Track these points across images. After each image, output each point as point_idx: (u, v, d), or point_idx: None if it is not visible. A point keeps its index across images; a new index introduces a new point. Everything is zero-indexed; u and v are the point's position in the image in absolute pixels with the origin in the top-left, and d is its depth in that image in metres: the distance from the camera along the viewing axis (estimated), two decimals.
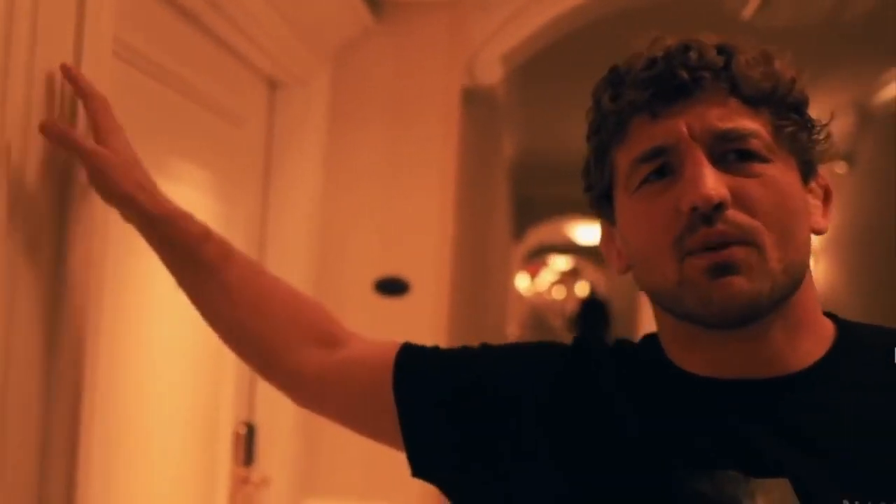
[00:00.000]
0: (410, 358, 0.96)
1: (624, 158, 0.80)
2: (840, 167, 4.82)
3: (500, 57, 2.59)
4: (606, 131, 0.82)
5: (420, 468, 0.92)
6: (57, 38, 1.00)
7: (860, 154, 4.74)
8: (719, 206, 0.71)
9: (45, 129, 0.93)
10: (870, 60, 4.11)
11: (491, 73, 2.60)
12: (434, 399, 0.92)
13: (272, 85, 2.34)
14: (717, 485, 0.72)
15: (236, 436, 2.19)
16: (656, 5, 2.68)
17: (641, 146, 0.77)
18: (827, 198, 0.82)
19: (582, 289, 16.77)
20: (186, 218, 1.00)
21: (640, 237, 0.80)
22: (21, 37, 0.94)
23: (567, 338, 1.05)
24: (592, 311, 12.99)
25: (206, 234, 1.01)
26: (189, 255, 1.00)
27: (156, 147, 1.72)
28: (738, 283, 0.71)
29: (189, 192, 1.87)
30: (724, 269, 0.71)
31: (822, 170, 0.82)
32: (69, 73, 0.97)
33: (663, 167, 0.76)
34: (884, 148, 4.59)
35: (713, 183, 0.72)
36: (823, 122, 0.81)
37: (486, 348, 0.98)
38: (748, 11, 2.63)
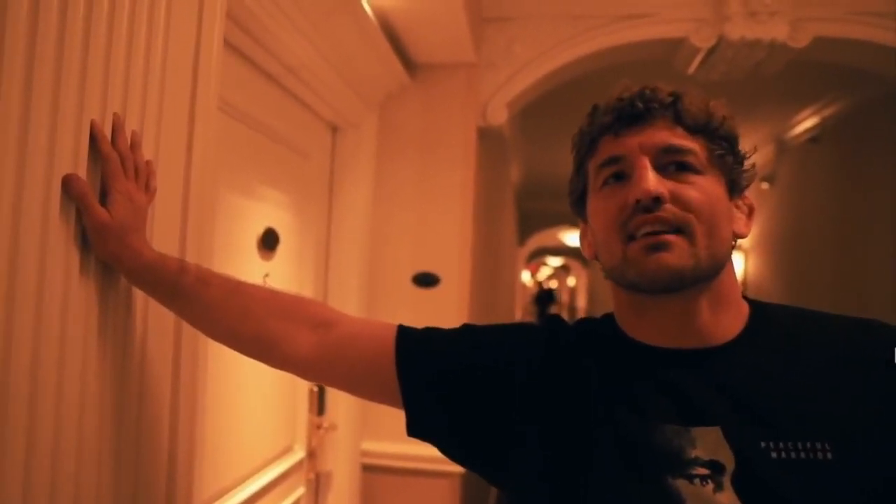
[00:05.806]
0: (409, 341, 0.88)
1: (592, 166, 0.81)
2: (764, 186, 4.83)
3: (506, 104, 2.59)
4: (583, 148, 0.83)
5: (416, 432, 0.85)
6: (179, 99, 1.01)
7: (779, 175, 4.76)
8: (658, 199, 0.71)
9: (67, 181, 0.79)
10: (783, 105, 4.15)
11: (499, 115, 2.59)
12: (433, 378, 0.84)
13: (333, 128, 2.35)
14: (667, 436, 0.70)
15: (311, 393, 2.20)
16: (623, 63, 2.69)
17: (605, 155, 0.78)
18: (750, 213, 0.81)
19: (571, 281, 17.16)
20: (163, 261, 0.89)
21: (599, 225, 0.79)
22: (153, 100, 0.95)
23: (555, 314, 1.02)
24: (543, 296, 16.80)
25: (181, 269, 0.90)
26: (171, 289, 0.89)
27: (247, 177, 1.73)
28: (666, 257, 0.71)
29: (272, 210, 1.87)
30: (656, 248, 0.71)
31: (749, 192, 0.82)
32: (92, 132, 0.83)
33: (619, 173, 0.76)
34: (796, 171, 4.60)
35: (654, 181, 0.72)
36: (748, 153, 0.80)
37: (472, 330, 0.90)
38: (691, 69, 2.65)
